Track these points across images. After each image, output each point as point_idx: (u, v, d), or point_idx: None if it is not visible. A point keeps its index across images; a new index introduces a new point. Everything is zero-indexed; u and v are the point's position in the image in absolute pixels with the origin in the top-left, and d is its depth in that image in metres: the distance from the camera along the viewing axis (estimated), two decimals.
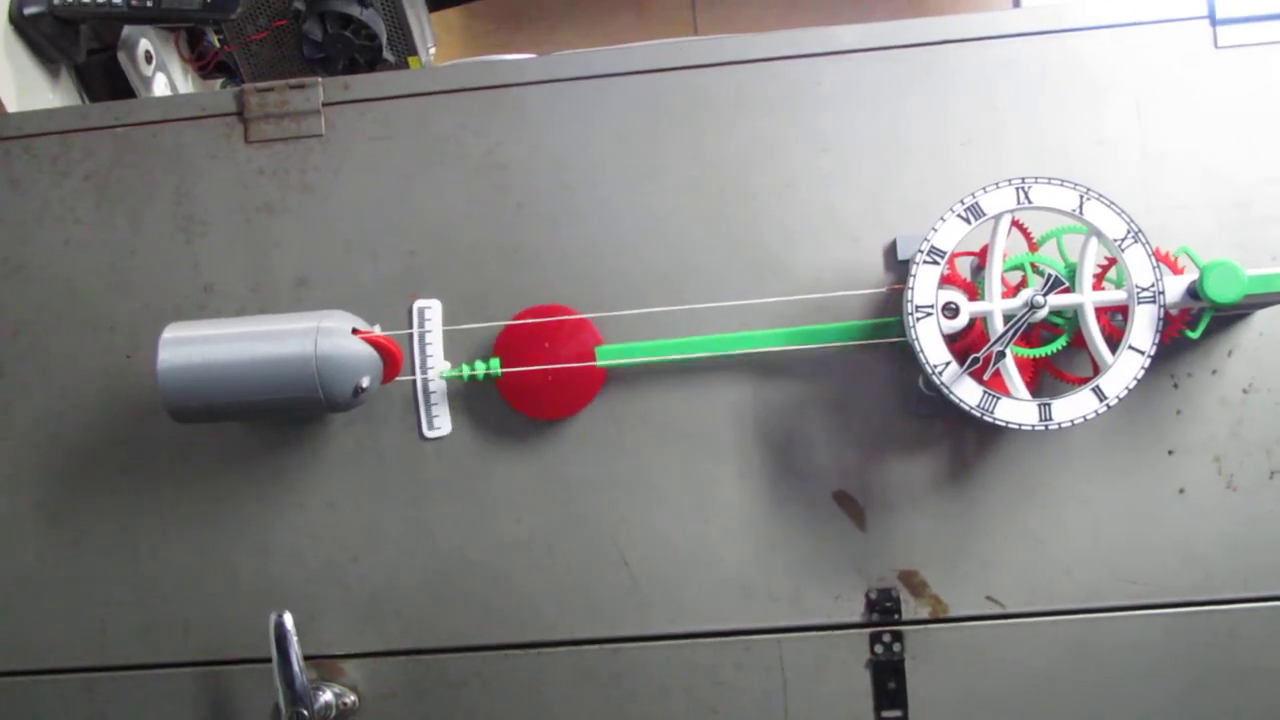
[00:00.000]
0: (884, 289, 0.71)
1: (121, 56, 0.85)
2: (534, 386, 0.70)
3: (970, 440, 0.71)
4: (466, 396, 0.73)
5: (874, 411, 0.72)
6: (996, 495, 0.71)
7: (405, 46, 0.97)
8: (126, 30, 0.86)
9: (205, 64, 0.98)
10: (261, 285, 0.74)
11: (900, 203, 0.72)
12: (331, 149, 0.75)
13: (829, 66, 0.74)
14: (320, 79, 0.75)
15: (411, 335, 0.73)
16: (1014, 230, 0.66)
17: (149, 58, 0.89)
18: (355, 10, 0.92)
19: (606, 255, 0.73)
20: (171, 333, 0.67)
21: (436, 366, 0.72)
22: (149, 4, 0.78)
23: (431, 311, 0.73)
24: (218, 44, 0.95)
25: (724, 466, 0.72)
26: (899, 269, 0.72)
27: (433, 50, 1.01)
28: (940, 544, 0.71)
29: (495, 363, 0.70)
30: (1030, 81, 0.72)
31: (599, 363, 0.70)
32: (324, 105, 0.75)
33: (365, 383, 0.66)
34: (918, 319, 0.64)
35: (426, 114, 0.75)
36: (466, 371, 0.70)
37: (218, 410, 0.67)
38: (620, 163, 0.74)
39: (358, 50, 0.94)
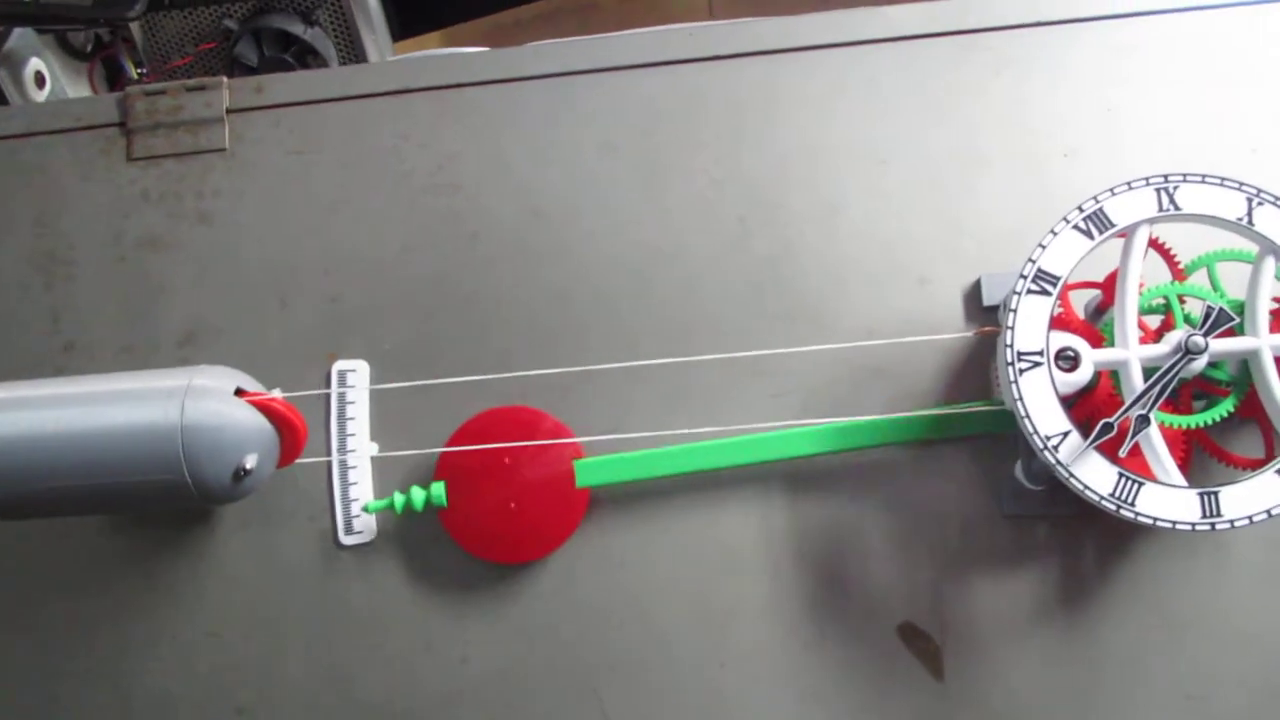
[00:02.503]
0: (967, 334, 0.51)
1: (0, 75, 0.68)
2: (491, 522, 0.51)
3: (1089, 549, 0.51)
4: (398, 484, 0.53)
5: (950, 514, 0.52)
6: (1129, 630, 0.51)
7: None
8: (9, 43, 0.70)
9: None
10: (137, 343, 0.56)
11: (983, 231, 0.54)
12: (237, 167, 0.57)
13: (885, 57, 0.56)
14: (225, 79, 0.58)
15: (329, 405, 0.54)
16: (1150, 252, 0.47)
17: (40, 80, 0.72)
18: (298, 28, 0.75)
19: (588, 304, 0.55)
20: None
21: (360, 449, 0.53)
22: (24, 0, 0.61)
23: (356, 375, 0.54)
24: (136, 74, 0.78)
25: (748, 595, 0.52)
26: (984, 318, 0.53)
27: None
28: (1047, 699, 0.51)
29: (438, 490, 0.51)
30: (1156, 73, 0.54)
31: (580, 483, 0.51)
32: (229, 112, 0.58)
33: (250, 463, 0.47)
34: (1021, 371, 0.45)
35: (358, 122, 0.57)
36: (399, 501, 0.51)
37: (43, 501, 0.48)
38: (608, 183, 0.56)
39: None
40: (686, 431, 0.51)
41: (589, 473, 0.51)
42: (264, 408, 0.48)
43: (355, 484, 0.54)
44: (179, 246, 0.57)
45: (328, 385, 0.55)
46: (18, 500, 0.48)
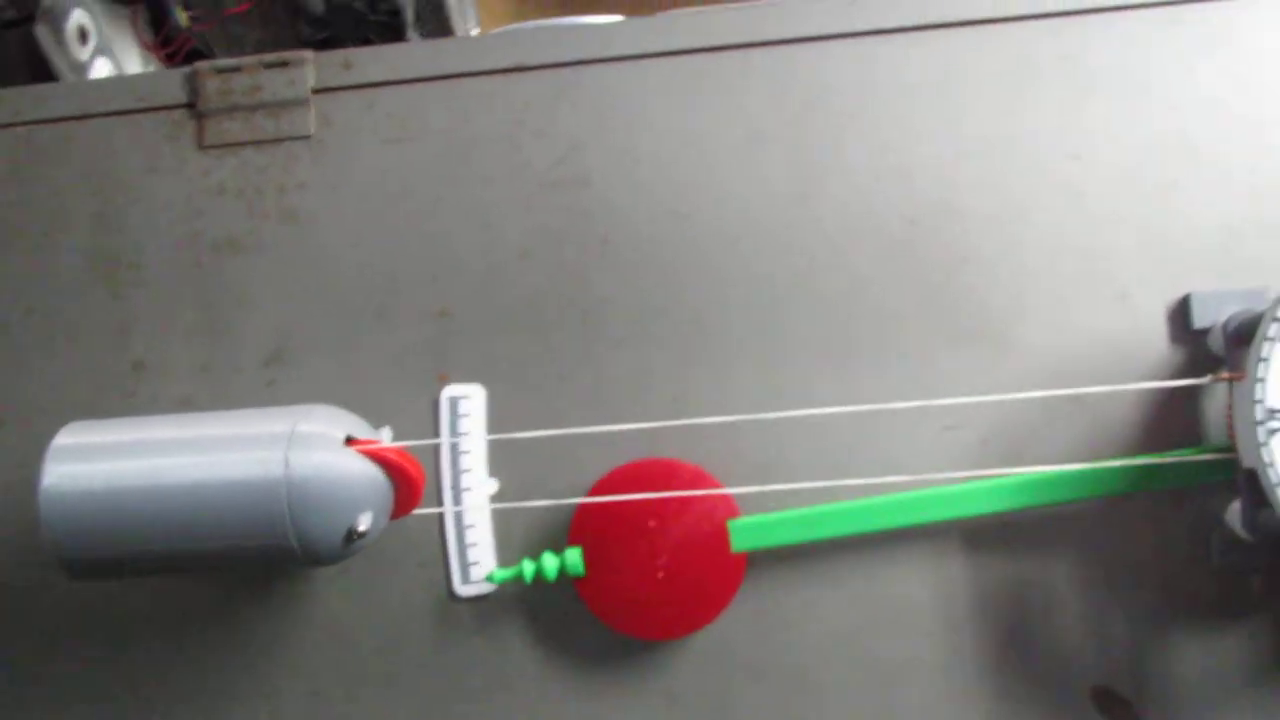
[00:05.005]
0: (1200, 380, 0.44)
1: (40, 31, 0.60)
2: (636, 593, 0.45)
3: None
4: (523, 530, 0.47)
5: (1149, 565, 0.46)
6: None
7: (438, 25, 0.71)
8: None
9: (173, 51, 0.73)
10: (216, 362, 0.49)
11: (1192, 238, 0.47)
12: (325, 156, 0.50)
13: (1077, 31, 0.48)
14: (309, 54, 0.50)
15: (439, 443, 0.47)
16: None
17: (83, 35, 0.64)
18: None
19: (733, 318, 0.47)
20: (66, 438, 0.42)
21: (477, 487, 0.46)
22: None
23: (470, 403, 0.47)
24: (185, 23, 0.70)
25: (922, 658, 0.46)
26: (1193, 343, 0.46)
27: (475, 34, 0.76)
28: None
29: (574, 557, 0.45)
30: None
31: (736, 547, 0.44)
32: (315, 92, 0.50)
33: (363, 524, 0.41)
34: (1272, 431, 0.38)
35: (466, 105, 0.50)
36: (529, 571, 0.45)
37: (131, 564, 0.42)
38: (757, 179, 0.48)
39: (373, 28, 0.69)
40: (856, 483, 0.45)
41: (746, 535, 0.45)
42: (378, 457, 0.42)
43: (472, 526, 0.47)
44: (261, 249, 0.50)
45: (437, 412, 0.48)
46: (103, 560, 0.42)
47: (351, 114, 0.50)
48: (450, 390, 0.48)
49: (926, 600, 0.46)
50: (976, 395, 0.45)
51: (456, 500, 0.47)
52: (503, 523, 0.48)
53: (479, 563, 0.47)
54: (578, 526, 0.45)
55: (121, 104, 0.52)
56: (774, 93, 0.49)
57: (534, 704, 0.47)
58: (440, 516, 0.47)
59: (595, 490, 0.46)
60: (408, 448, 0.43)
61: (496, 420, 0.48)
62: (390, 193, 0.50)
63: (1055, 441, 0.46)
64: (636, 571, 0.45)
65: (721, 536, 0.45)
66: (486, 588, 0.47)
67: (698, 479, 0.45)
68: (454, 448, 0.47)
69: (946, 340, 0.47)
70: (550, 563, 0.45)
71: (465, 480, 0.47)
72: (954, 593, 0.46)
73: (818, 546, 0.46)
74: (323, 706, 0.47)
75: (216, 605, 0.48)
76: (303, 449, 0.40)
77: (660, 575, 0.44)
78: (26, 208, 0.51)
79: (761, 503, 0.46)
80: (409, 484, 0.43)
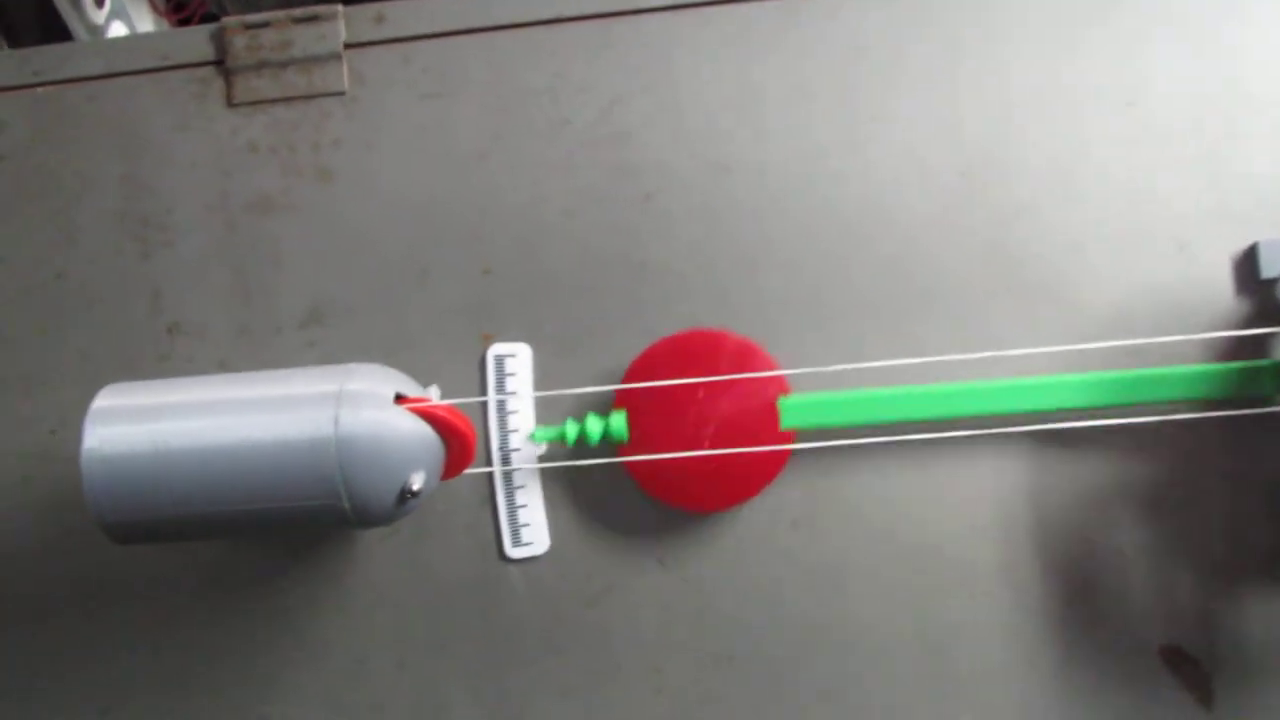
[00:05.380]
0: (1270, 328, 0.43)
1: None
2: (679, 462, 0.43)
3: None
4: (573, 487, 0.46)
5: (1223, 515, 0.45)
6: None
7: None
8: None
9: (187, 15, 0.71)
10: (253, 325, 0.48)
11: (1257, 185, 0.46)
12: (359, 112, 0.48)
13: None
14: (339, 7, 0.49)
15: (486, 400, 0.46)
16: None
17: None
18: None
19: (781, 276, 0.46)
20: (106, 400, 0.41)
21: (525, 447, 0.45)
22: None
23: (516, 361, 0.46)
24: None
25: (978, 602, 0.45)
26: (1260, 293, 0.45)
27: None
28: None
29: (619, 420, 0.43)
30: None
31: (784, 424, 0.43)
32: (348, 47, 0.49)
33: (416, 483, 0.40)
34: None
35: (504, 58, 0.48)
36: (572, 432, 0.43)
37: (176, 528, 0.41)
38: (804, 131, 0.47)
39: None
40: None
41: (797, 413, 0.43)
42: (429, 415, 0.40)
43: (522, 487, 0.46)
44: (295, 208, 0.49)
45: (483, 371, 0.47)
46: (147, 524, 0.41)
47: (386, 69, 0.49)
48: (496, 348, 0.47)
49: (979, 537, 0.45)
50: (1034, 349, 0.44)
51: (505, 460, 0.46)
52: (548, 478, 0.46)
53: (529, 524, 0.46)
54: (624, 392, 0.44)
55: (147, 62, 0.50)
56: (819, 43, 0.48)
57: (587, 659, 0.46)
58: (489, 476, 0.46)
59: (641, 359, 0.45)
60: (458, 404, 0.42)
61: (542, 380, 0.47)
62: (428, 149, 0.48)
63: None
64: (680, 442, 0.43)
65: (771, 412, 0.44)
66: (539, 548, 0.46)
67: (745, 349, 0.44)
68: (501, 406, 0.46)
69: (1002, 293, 0.46)
70: (594, 425, 0.44)
71: (513, 440, 0.46)
72: (1013, 528, 0.45)
73: (863, 455, 0.45)
74: (370, 674, 0.46)
75: (258, 571, 0.47)
76: (352, 407, 0.39)
77: (706, 446, 0.43)
78: (52, 170, 0.50)
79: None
80: (461, 442, 0.42)
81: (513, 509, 0.46)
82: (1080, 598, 0.45)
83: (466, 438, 0.42)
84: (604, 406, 0.46)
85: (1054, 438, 0.45)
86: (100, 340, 0.48)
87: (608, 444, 0.44)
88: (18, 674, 0.47)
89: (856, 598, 0.45)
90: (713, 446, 0.43)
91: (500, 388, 0.46)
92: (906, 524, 0.45)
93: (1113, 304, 0.46)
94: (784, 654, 0.45)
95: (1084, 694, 0.45)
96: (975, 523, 0.45)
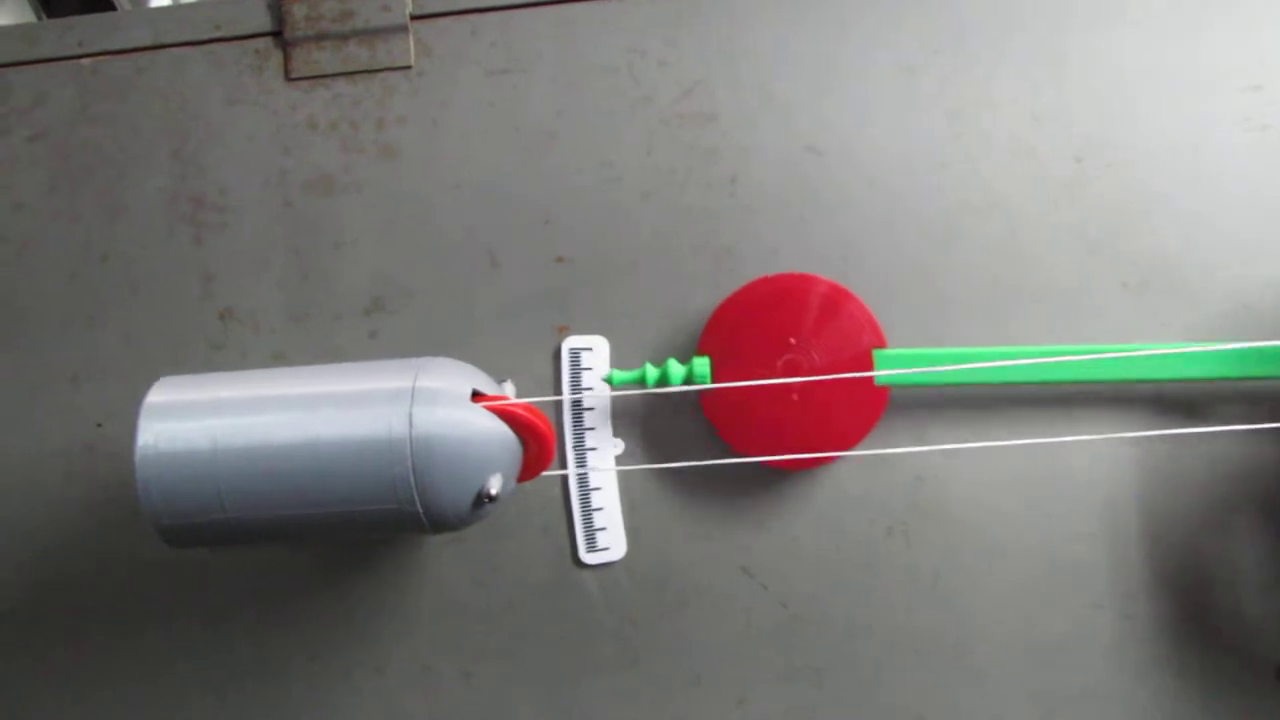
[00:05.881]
0: None
1: None
2: (765, 407, 0.41)
3: None
4: (654, 486, 0.43)
5: None
6: None
7: None
8: None
9: None
10: (312, 311, 0.45)
11: None
12: (426, 88, 0.46)
13: None
14: None
15: (560, 399, 0.43)
16: None
17: None
18: None
19: (876, 266, 0.43)
20: (160, 395, 0.38)
21: (602, 447, 0.43)
22: None
23: (593, 355, 0.43)
24: None
25: (1087, 613, 0.42)
26: None
27: None
28: None
29: (702, 364, 0.41)
30: None
31: (879, 378, 0.40)
32: (414, 18, 0.46)
33: (495, 487, 0.37)
34: None
35: (578, 32, 0.45)
36: (652, 375, 0.41)
37: (235, 532, 0.38)
38: (903, 114, 0.44)
39: None
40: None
41: (892, 364, 0.41)
42: (507, 415, 0.38)
43: (598, 489, 0.43)
44: (357, 188, 0.46)
45: (557, 366, 0.44)
46: (204, 527, 0.38)
47: (454, 42, 0.46)
48: (571, 341, 0.44)
49: (1096, 525, 0.42)
50: (1148, 347, 0.41)
51: (581, 461, 0.43)
52: (627, 485, 0.44)
53: (606, 527, 0.43)
54: (709, 334, 0.42)
55: (199, 33, 0.48)
56: (922, 24, 0.45)
57: (667, 669, 0.43)
58: (563, 479, 0.43)
59: (730, 301, 0.42)
60: (527, 398, 0.39)
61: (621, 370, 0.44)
62: (497, 128, 0.46)
63: (1235, 397, 0.42)
64: (768, 390, 0.41)
65: (865, 363, 0.41)
66: (616, 553, 0.43)
67: (839, 294, 0.41)
68: (576, 404, 0.43)
69: (1116, 288, 0.43)
70: (676, 369, 0.41)
71: (590, 439, 0.43)
72: (1119, 509, 0.43)
73: (963, 414, 0.43)
74: (436, 681, 0.44)
75: (319, 575, 0.44)
76: (427, 405, 0.36)
77: (795, 397, 0.40)
78: (98, 146, 0.47)
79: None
80: (540, 443, 0.39)
81: (588, 512, 0.43)
82: (1192, 612, 0.42)
83: (546, 438, 0.39)
84: (689, 407, 0.43)
85: (1166, 441, 0.42)
86: (148, 327, 0.46)
87: (690, 382, 0.41)
88: (60, 683, 0.45)
89: (956, 609, 0.42)
90: (801, 399, 0.41)
91: (575, 383, 0.43)
92: (1010, 530, 0.42)
93: (1234, 299, 0.43)
94: (876, 668, 0.43)
95: (1194, 715, 0.42)
96: (1084, 529, 0.42)
